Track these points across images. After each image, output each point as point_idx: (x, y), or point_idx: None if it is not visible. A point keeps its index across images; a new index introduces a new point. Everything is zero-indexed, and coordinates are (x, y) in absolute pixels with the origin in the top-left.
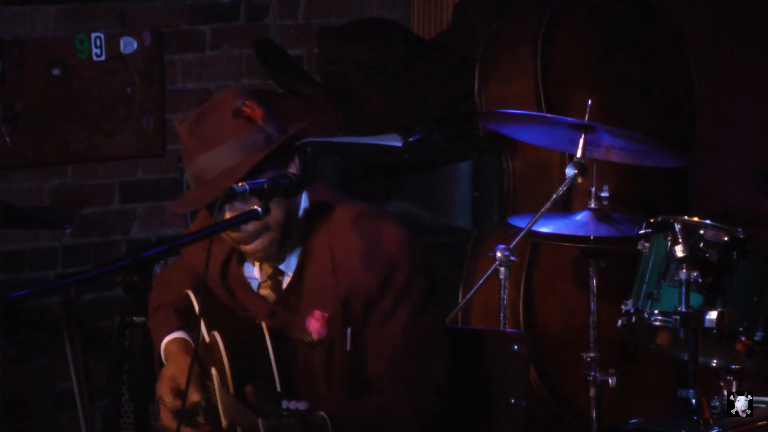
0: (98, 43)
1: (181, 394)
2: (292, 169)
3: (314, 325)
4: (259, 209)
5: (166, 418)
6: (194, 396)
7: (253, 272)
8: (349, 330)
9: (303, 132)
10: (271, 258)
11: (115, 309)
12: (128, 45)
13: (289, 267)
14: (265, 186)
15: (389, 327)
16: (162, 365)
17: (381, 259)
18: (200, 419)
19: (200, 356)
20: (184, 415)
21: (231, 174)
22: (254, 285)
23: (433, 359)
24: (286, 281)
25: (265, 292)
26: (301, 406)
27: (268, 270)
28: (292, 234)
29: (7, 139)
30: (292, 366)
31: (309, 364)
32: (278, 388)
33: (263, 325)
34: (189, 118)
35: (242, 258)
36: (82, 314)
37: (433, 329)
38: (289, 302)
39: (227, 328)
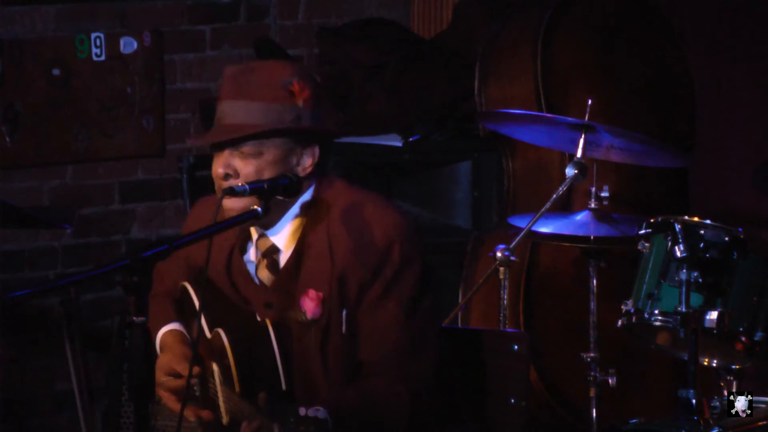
0: (98, 43)
1: (177, 375)
2: (307, 159)
3: (309, 304)
4: (259, 209)
5: (168, 400)
6: (194, 369)
7: (250, 255)
8: (344, 312)
9: (334, 131)
10: (247, 226)
11: (115, 309)
12: (128, 45)
13: (288, 250)
14: (265, 186)
15: (381, 311)
16: (156, 355)
17: (373, 246)
18: (197, 394)
19: (202, 350)
20: (187, 393)
21: (243, 128)
22: (252, 268)
23: (425, 348)
24: (283, 260)
25: (263, 273)
26: (320, 414)
27: (263, 246)
28: (276, 207)
29: (7, 139)
30: (289, 351)
31: (305, 348)
32: (283, 387)
33: (268, 322)
34: (242, 65)
35: (244, 247)
36: (82, 314)
37: (425, 317)
38: (287, 285)
39: (232, 325)
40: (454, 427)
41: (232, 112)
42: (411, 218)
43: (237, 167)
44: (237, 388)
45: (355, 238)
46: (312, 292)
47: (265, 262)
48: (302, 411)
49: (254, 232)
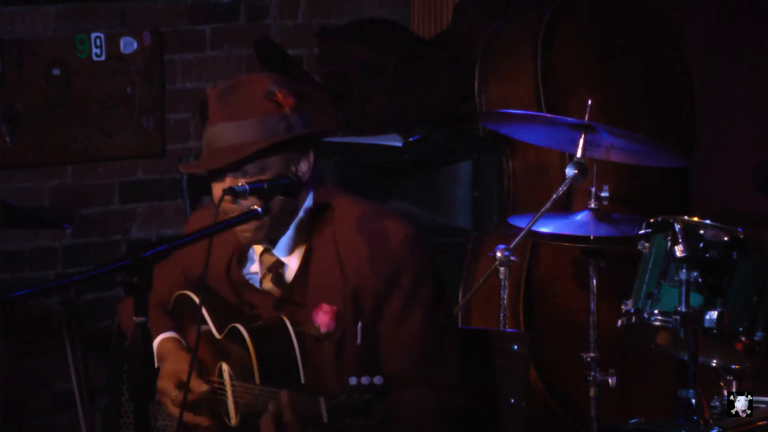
0: (98, 43)
1: (184, 386)
2: (304, 165)
3: (322, 318)
4: (259, 209)
5: (175, 412)
6: (201, 387)
7: (253, 267)
8: (360, 325)
9: (327, 131)
10: (258, 241)
11: (115, 309)
12: (128, 45)
13: (291, 261)
14: (266, 186)
15: (403, 330)
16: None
17: (386, 259)
18: (204, 409)
19: (206, 353)
20: (190, 406)
21: (238, 149)
22: (256, 280)
23: (448, 354)
24: (288, 274)
25: (268, 286)
26: (377, 380)
27: (268, 261)
28: (283, 222)
29: (7, 139)
30: (305, 356)
31: (317, 359)
32: (302, 380)
33: (284, 317)
34: (222, 84)
35: (242, 260)
36: (82, 314)
37: (444, 323)
38: (294, 296)
39: (248, 323)
40: (453, 427)
41: (224, 134)
42: (418, 226)
43: None
44: (258, 380)
45: (367, 250)
46: (325, 306)
47: (270, 276)
48: (353, 380)
49: (257, 248)
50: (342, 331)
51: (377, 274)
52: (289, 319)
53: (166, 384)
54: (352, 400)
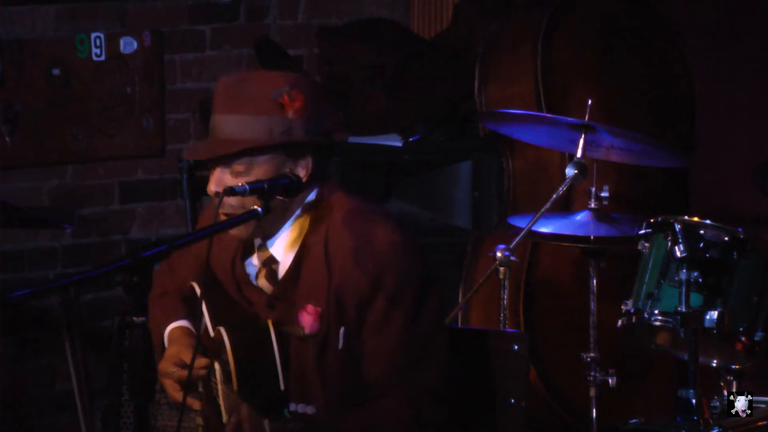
0: (98, 43)
1: (185, 366)
2: (300, 170)
3: (306, 319)
4: (259, 209)
5: (173, 391)
6: (201, 362)
7: (253, 260)
8: (342, 329)
9: (330, 142)
10: (247, 237)
11: (115, 309)
12: (128, 45)
13: (286, 259)
14: (266, 186)
15: (385, 334)
16: (164, 350)
17: (370, 261)
18: (200, 390)
19: (204, 349)
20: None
21: (231, 144)
22: (253, 273)
23: (432, 362)
24: (281, 272)
25: (262, 282)
26: (309, 410)
27: (262, 257)
28: (274, 219)
29: (7, 139)
30: (290, 354)
31: (301, 360)
32: (281, 387)
33: (270, 324)
34: (236, 75)
35: (245, 253)
36: (82, 314)
37: (430, 332)
38: (286, 295)
39: (234, 325)
40: (453, 427)
41: (223, 125)
42: (409, 229)
43: (228, 185)
44: (235, 387)
45: (352, 247)
46: (310, 307)
47: (264, 271)
48: (292, 407)
49: (257, 241)
50: (325, 334)
51: (361, 274)
52: (278, 318)
53: (166, 365)
54: (288, 426)
